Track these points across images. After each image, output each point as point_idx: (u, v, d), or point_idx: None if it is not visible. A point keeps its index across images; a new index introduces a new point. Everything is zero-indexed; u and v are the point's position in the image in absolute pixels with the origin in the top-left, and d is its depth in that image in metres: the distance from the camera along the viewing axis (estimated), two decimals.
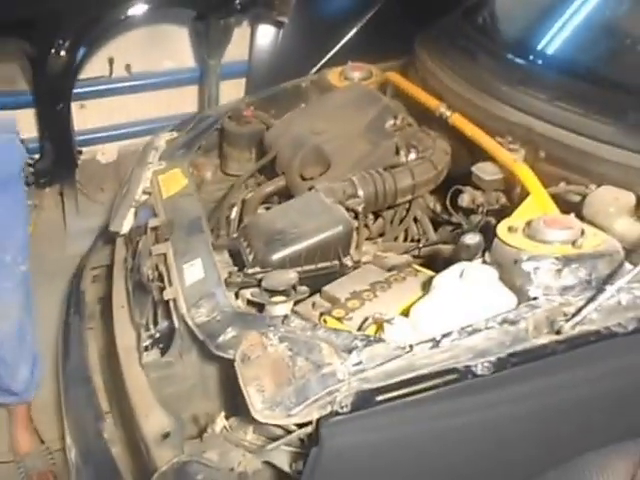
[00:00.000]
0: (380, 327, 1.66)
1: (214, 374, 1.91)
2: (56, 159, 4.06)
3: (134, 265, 2.23)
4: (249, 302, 1.84)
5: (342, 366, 1.51)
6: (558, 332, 1.57)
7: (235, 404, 1.80)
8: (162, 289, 2.05)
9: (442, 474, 1.53)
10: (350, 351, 1.53)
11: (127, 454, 1.95)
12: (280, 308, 1.78)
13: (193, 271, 1.95)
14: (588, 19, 2.48)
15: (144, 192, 2.55)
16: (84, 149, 4.30)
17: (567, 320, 1.56)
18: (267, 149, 2.60)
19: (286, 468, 1.60)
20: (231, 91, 4.50)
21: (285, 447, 1.60)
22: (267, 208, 2.42)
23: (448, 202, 2.30)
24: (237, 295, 1.87)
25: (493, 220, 2.14)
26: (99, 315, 2.48)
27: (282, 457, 1.61)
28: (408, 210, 2.43)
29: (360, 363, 1.51)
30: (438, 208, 2.45)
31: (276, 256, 1.94)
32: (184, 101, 4.66)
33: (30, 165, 4.05)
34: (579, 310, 1.57)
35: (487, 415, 1.50)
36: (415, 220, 2.43)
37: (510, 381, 1.51)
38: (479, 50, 2.61)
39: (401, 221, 2.42)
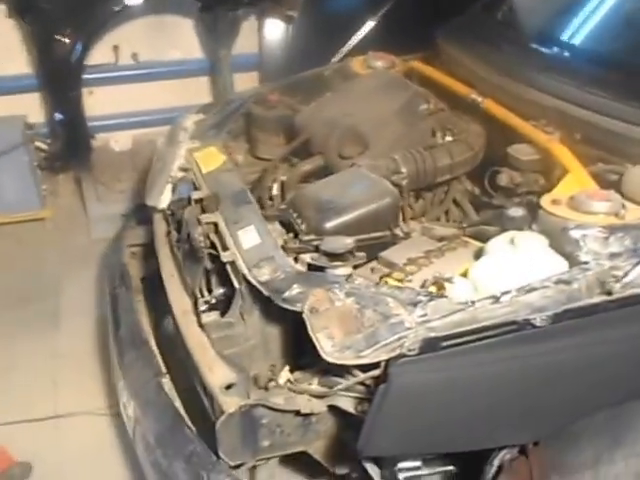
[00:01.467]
0: (440, 287, 1.88)
1: (275, 334, 2.13)
2: (69, 143, 4.27)
3: (181, 236, 2.43)
4: (309, 266, 2.05)
5: (409, 317, 1.72)
6: (609, 293, 1.79)
7: (298, 360, 2.03)
8: (213, 256, 2.26)
9: (500, 413, 1.75)
10: (415, 305, 1.75)
11: (187, 406, 2.14)
12: (340, 271, 1.99)
13: (248, 237, 2.16)
14: (615, 6, 2.73)
15: (180, 169, 2.75)
16: (96, 135, 4.52)
17: (617, 282, 1.77)
18: (298, 132, 2.79)
19: (351, 410, 1.83)
20: (244, 83, 4.71)
21: (350, 392, 1.83)
22: None
23: (487, 183, 2.52)
24: (295, 260, 2.08)
25: (534, 199, 2.35)
26: (146, 287, 2.67)
27: (347, 401, 1.85)
28: (447, 193, 2.66)
29: (425, 315, 1.73)
30: (477, 191, 2.66)
31: (329, 224, 2.15)
32: (194, 91, 4.89)
33: (42, 150, 4.27)
34: (628, 273, 1.79)
35: (543, 361, 1.72)
36: (455, 203, 2.66)
37: (565, 333, 1.73)
38: (510, 41, 2.85)
39: (441, 202, 2.65)
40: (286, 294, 1.89)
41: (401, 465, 1.79)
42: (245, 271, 2.04)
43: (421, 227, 2.34)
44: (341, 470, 2.11)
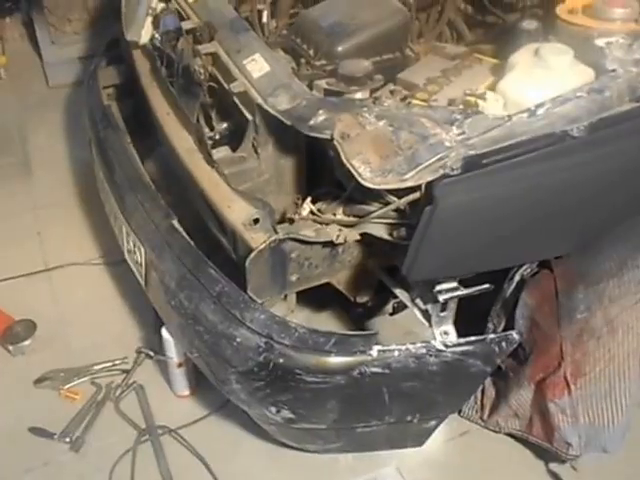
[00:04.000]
0: (469, 104, 1.80)
1: (289, 166, 2.04)
2: None
3: (175, 70, 2.26)
4: (325, 92, 1.94)
5: (447, 136, 1.65)
6: (639, 99, 1.76)
7: (313, 192, 1.96)
8: (212, 89, 2.13)
9: (540, 226, 1.73)
10: (451, 123, 1.68)
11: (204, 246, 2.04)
12: (360, 95, 1.89)
13: (256, 65, 2.01)
14: None
15: (159, 0, 2.54)
16: None
17: None
18: None
19: (386, 237, 1.78)
20: None
21: (382, 219, 1.78)
22: (296, 12, 2.48)
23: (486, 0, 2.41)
24: (309, 87, 1.97)
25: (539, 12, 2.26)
26: (133, 129, 2.51)
27: (380, 228, 1.81)
28: (441, 13, 2.53)
29: (464, 133, 1.66)
30: (470, 10, 2.55)
31: (342, 47, 2.04)
32: None
33: None
34: None
35: (580, 172, 1.70)
36: (448, 25, 2.55)
37: (601, 142, 1.70)
38: None
39: (437, 21, 2.53)
40: (312, 122, 1.78)
41: (440, 287, 1.77)
42: (260, 101, 1.91)
43: (431, 47, 2.23)
44: (361, 298, 2.10)
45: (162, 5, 2.52)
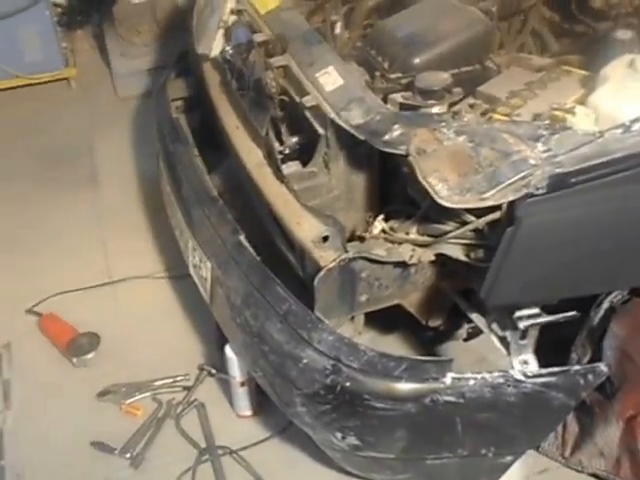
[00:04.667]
0: (556, 119, 1.71)
1: (360, 182, 1.98)
2: None
3: (245, 83, 2.22)
4: (401, 106, 1.87)
5: (532, 153, 1.56)
6: None
7: (391, 208, 1.89)
8: (283, 103, 2.07)
9: (634, 248, 1.62)
10: (537, 139, 1.59)
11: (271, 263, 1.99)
12: (437, 109, 1.82)
13: (329, 78, 1.96)
14: None
15: (231, 13, 2.52)
16: None
17: None
18: None
19: (463, 258, 1.70)
20: None
21: (459, 239, 1.70)
22: (370, 24, 2.42)
23: (574, 7, 2.31)
24: (384, 101, 1.90)
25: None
26: (200, 142, 2.48)
27: (456, 248, 1.73)
28: (524, 22, 2.44)
29: (550, 150, 1.57)
30: (556, 18, 2.45)
31: (419, 58, 1.97)
32: None
33: (59, 5, 4.00)
34: None
35: None
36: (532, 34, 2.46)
37: None
38: None
39: (519, 33, 2.44)
40: (387, 137, 1.72)
41: (520, 313, 1.67)
42: (333, 115, 1.86)
43: (514, 58, 2.14)
44: (434, 322, 2.02)
45: (234, 18, 2.50)
